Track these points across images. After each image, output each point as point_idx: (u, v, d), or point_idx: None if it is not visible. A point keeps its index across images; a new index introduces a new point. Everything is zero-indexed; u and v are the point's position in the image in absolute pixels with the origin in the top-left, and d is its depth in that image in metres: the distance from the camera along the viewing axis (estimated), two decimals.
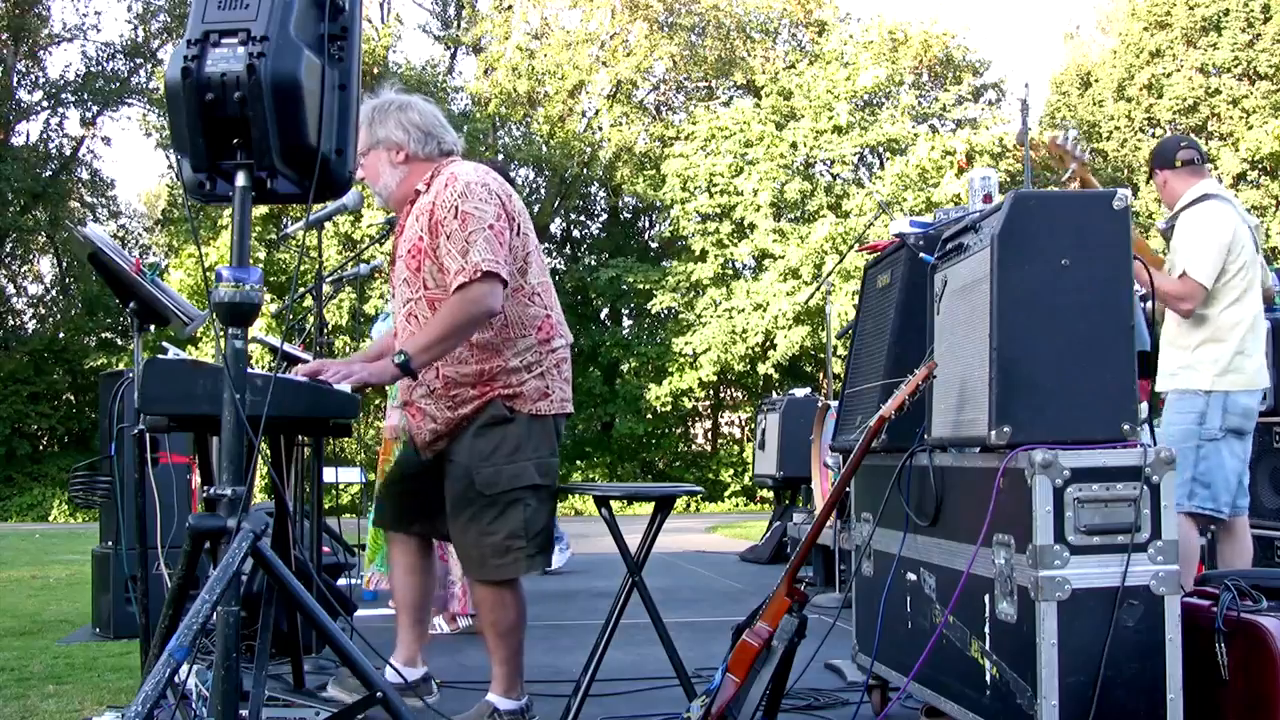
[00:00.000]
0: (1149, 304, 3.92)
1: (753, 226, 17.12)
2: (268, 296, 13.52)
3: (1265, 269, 4.21)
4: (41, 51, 19.46)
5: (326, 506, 4.51)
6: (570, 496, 14.91)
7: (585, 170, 19.70)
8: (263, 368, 3.81)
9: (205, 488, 3.10)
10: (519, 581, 3.11)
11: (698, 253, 17.54)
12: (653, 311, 18.36)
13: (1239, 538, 3.94)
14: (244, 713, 2.53)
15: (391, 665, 3.19)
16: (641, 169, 18.99)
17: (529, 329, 3.09)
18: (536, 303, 3.12)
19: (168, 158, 19.40)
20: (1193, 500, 3.76)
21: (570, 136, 19.17)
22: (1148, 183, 19.05)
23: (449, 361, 3.03)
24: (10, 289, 19.92)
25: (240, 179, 2.16)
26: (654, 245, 20.39)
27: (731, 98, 19.88)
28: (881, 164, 18.23)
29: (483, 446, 3.04)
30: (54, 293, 20.20)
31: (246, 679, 2.59)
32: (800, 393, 8.32)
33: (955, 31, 19.42)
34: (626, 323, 19.49)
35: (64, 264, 19.76)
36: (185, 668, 2.06)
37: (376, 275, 5.33)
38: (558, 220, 20.63)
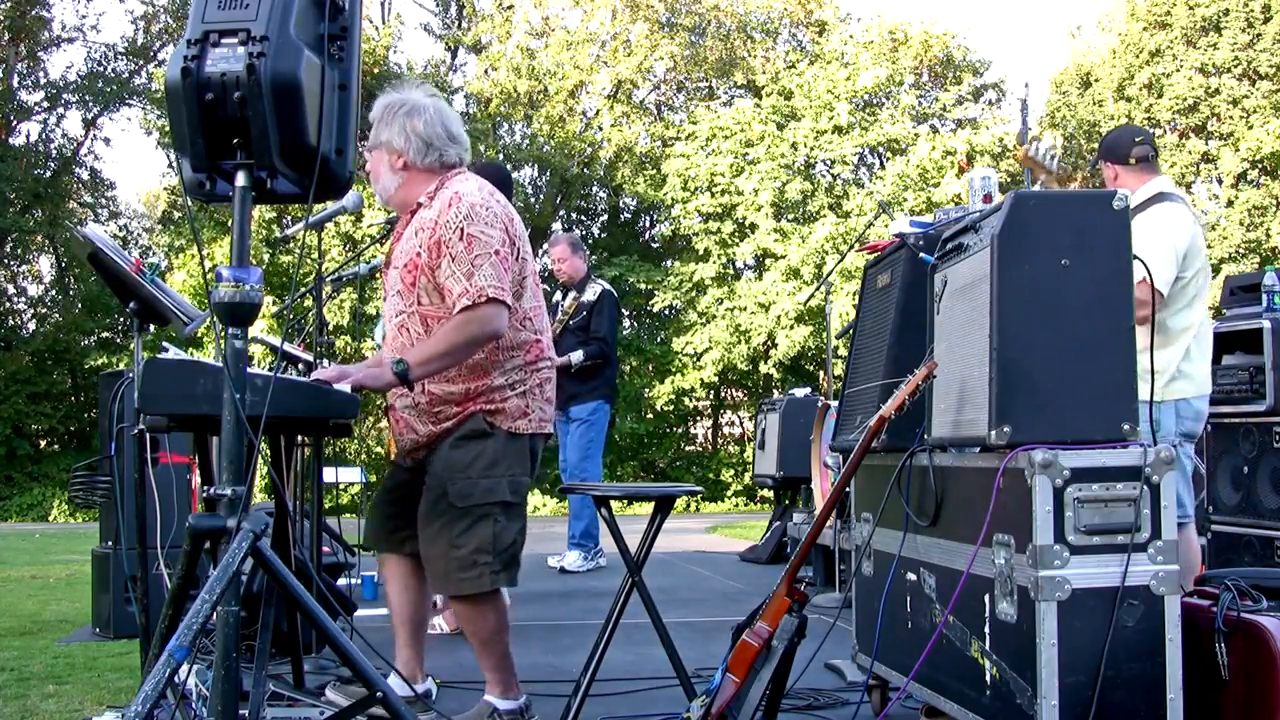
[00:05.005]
0: None
1: (754, 226, 17.13)
2: (269, 297, 13.53)
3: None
4: (42, 52, 19.45)
5: (326, 506, 4.51)
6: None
7: (586, 170, 19.70)
8: (264, 368, 3.81)
9: (205, 488, 3.10)
10: (498, 591, 3.10)
11: (700, 252, 17.55)
12: (654, 311, 18.35)
13: (1187, 537, 3.90)
14: (244, 713, 2.54)
15: (396, 671, 3.18)
16: (642, 169, 18.99)
17: (517, 352, 3.10)
18: (528, 327, 3.12)
19: (168, 157, 19.40)
20: None
21: (571, 136, 19.17)
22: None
23: (437, 380, 3.03)
24: (10, 289, 19.91)
25: (240, 179, 2.16)
26: (655, 245, 20.38)
27: (732, 98, 19.87)
28: (882, 164, 18.22)
29: (459, 459, 3.04)
30: (54, 293, 20.18)
31: (246, 679, 2.59)
32: (800, 393, 8.31)
33: (955, 31, 19.41)
34: (628, 322, 19.47)
35: (64, 264, 19.75)
36: (185, 668, 2.06)
37: (377, 275, 5.33)
38: (558, 220, 20.63)
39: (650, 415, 18.28)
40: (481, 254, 2.95)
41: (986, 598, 2.49)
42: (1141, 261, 2.62)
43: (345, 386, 2.69)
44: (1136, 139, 3.99)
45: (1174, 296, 3.77)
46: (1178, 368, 3.77)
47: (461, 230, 2.96)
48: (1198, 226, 3.85)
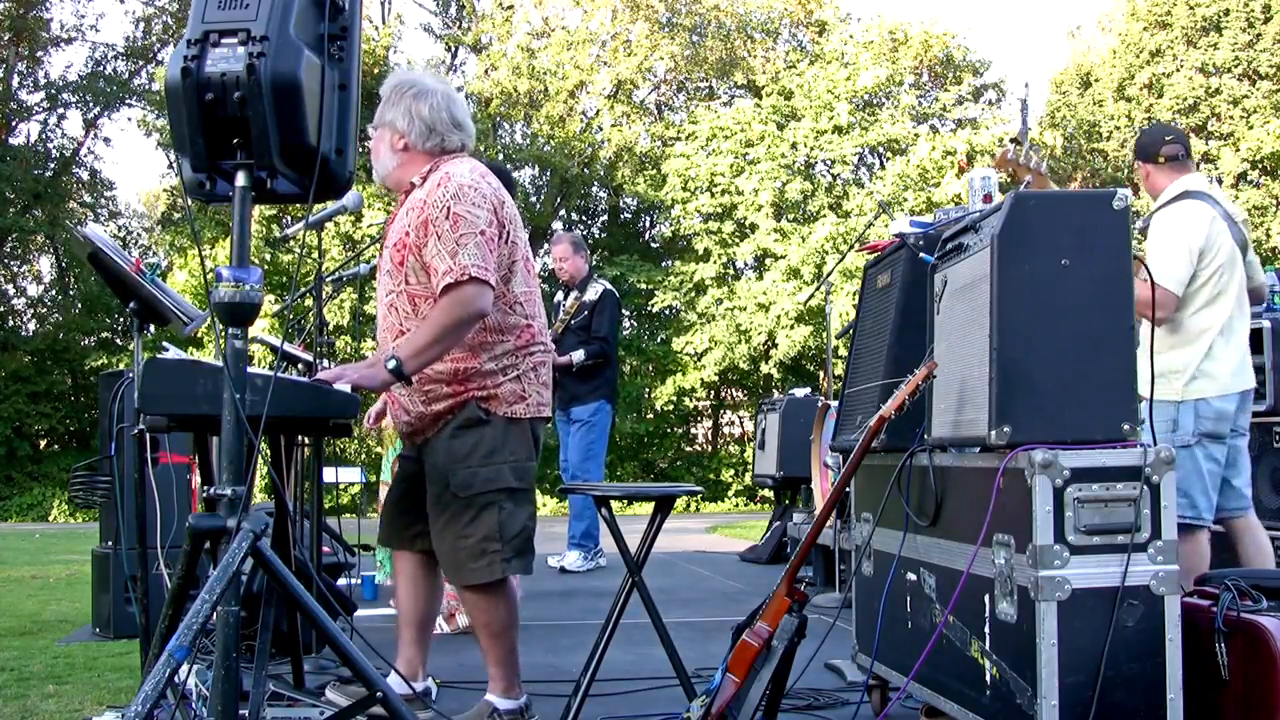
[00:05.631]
0: None
1: (754, 226, 17.14)
2: (269, 297, 13.53)
3: (1256, 266, 4.10)
4: (41, 52, 19.45)
5: (326, 506, 4.51)
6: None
7: (586, 170, 19.70)
8: (264, 368, 3.81)
9: (205, 488, 3.09)
10: (507, 582, 3.10)
11: (700, 252, 17.56)
12: (654, 311, 18.36)
13: (1252, 535, 3.89)
14: (244, 713, 2.53)
15: (395, 669, 3.18)
16: (642, 169, 18.99)
17: (507, 336, 3.09)
18: (518, 311, 3.11)
19: (168, 157, 19.40)
20: None
21: (571, 136, 19.17)
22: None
23: (415, 379, 3.02)
24: (10, 289, 19.92)
25: (240, 179, 2.16)
26: (655, 245, 20.39)
27: (732, 98, 19.88)
28: (882, 164, 18.23)
29: (458, 449, 3.04)
30: (54, 293, 20.19)
31: (246, 679, 2.59)
32: (800, 393, 8.32)
33: (955, 31, 19.43)
34: (628, 323, 19.48)
35: (64, 264, 19.76)
36: (185, 668, 2.06)
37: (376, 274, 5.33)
38: (559, 220, 20.63)
39: (650, 415, 18.28)
40: (467, 233, 2.94)
41: (986, 598, 2.49)
42: (1142, 262, 2.62)
43: (344, 387, 2.68)
44: (1167, 138, 4.01)
45: (1192, 295, 3.77)
46: (1198, 367, 3.76)
47: (448, 209, 2.96)
48: (1221, 223, 3.82)
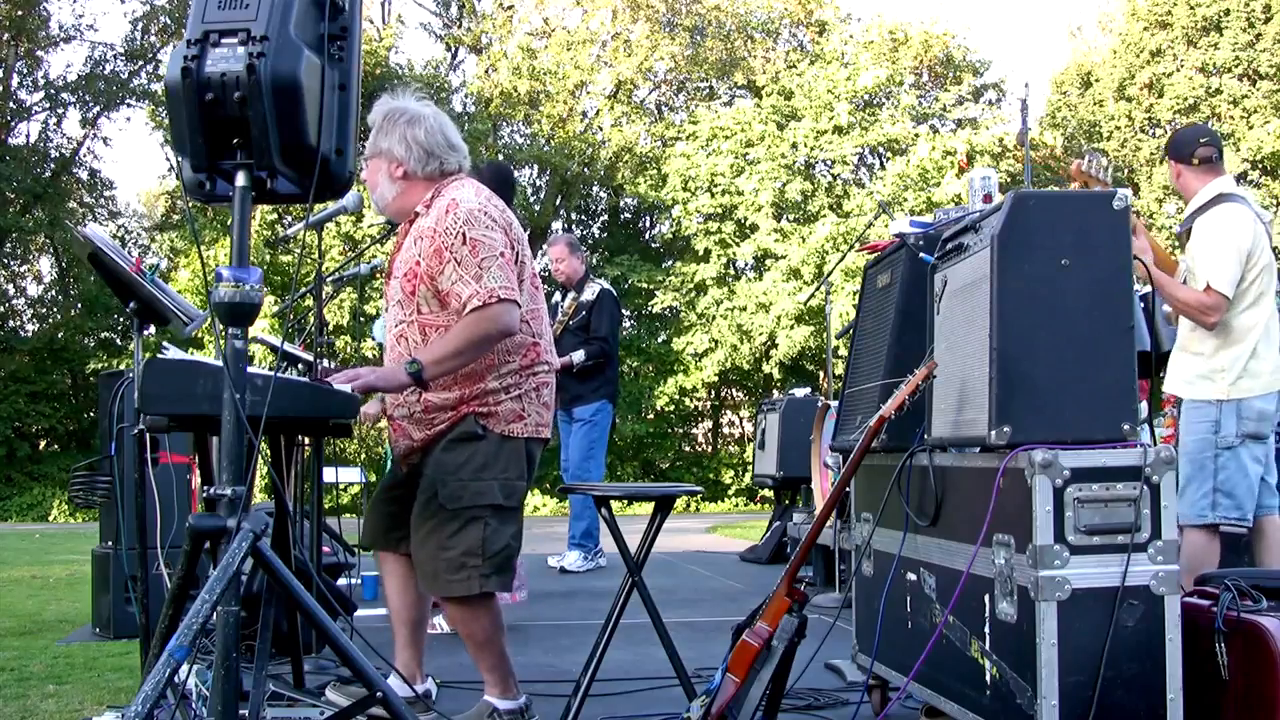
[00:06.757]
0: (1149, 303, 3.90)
1: (754, 226, 17.14)
2: (269, 297, 13.54)
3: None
4: (41, 52, 19.44)
5: (326, 506, 4.51)
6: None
7: (586, 170, 19.70)
8: (264, 368, 3.81)
9: (205, 488, 3.09)
10: (492, 594, 3.09)
11: (700, 252, 17.55)
12: (655, 311, 18.36)
13: (1276, 535, 3.90)
14: (244, 713, 2.53)
15: (396, 671, 3.18)
16: (643, 169, 18.99)
17: (513, 355, 3.09)
18: (524, 330, 3.11)
19: (168, 158, 19.41)
20: (1217, 510, 3.73)
21: (571, 136, 19.17)
22: (1149, 179, 19.07)
23: (433, 387, 3.03)
24: (10, 289, 19.92)
25: (240, 179, 2.16)
26: (655, 245, 20.39)
27: (732, 98, 19.88)
28: (882, 164, 18.23)
29: (450, 460, 3.04)
30: (54, 293, 20.19)
31: (246, 679, 2.59)
32: (800, 393, 8.32)
33: (956, 31, 19.47)
34: (628, 323, 19.48)
35: (64, 264, 19.76)
36: (185, 668, 2.06)
37: (377, 275, 5.31)
38: (559, 220, 20.63)
39: (650, 416, 18.28)
40: (488, 257, 2.95)
41: (986, 598, 2.49)
42: (1143, 264, 2.62)
43: (347, 387, 2.68)
44: (1201, 139, 4.02)
45: (1239, 296, 3.81)
46: (1245, 366, 3.79)
47: (464, 235, 2.97)
48: (1260, 225, 3.87)
